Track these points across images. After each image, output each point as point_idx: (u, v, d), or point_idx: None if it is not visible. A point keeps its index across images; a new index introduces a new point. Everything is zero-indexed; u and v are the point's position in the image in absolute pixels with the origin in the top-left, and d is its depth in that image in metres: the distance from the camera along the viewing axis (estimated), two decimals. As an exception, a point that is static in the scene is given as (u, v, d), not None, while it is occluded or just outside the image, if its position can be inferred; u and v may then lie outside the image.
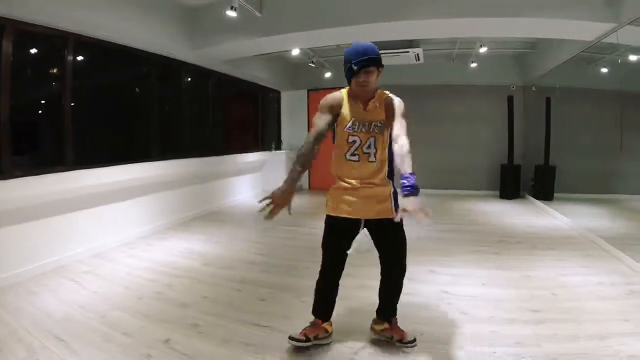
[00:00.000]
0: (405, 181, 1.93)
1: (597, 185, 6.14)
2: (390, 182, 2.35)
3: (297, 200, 7.63)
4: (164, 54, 5.45)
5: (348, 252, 2.31)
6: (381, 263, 2.42)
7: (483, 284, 3.41)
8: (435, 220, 5.81)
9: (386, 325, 2.44)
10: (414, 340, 2.36)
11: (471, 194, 8.52)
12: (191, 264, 3.98)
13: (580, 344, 2.40)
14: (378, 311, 2.50)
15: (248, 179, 8.19)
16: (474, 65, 7.70)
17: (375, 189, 2.28)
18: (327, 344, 2.42)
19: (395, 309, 2.47)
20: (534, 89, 8.04)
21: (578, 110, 6.68)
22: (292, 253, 4.36)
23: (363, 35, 4.73)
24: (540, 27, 4.78)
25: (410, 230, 5.06)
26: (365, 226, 2.30)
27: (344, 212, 2.29)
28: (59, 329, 2.57)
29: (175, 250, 4.42)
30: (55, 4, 3.61)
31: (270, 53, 7.11)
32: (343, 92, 2.34)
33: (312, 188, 9.60)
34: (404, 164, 2.02)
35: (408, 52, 6.73)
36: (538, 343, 2.41)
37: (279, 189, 2.03)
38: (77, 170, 4.05)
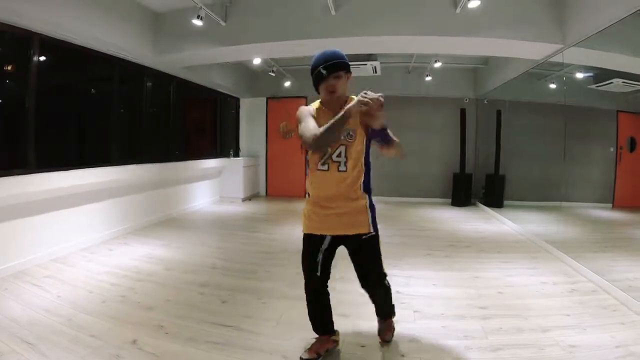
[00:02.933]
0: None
1: (543, 193, 6.43)
2: (367, 195, 2.23)
3: (255, 207, 7.62)
4: (128, 57, 5.42)
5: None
6: (358, 277, 2.38)
7: (434, 285, 3.62)
8: (390, 227, 6.05)
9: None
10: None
11: (424, 201, 8.80)
12: (153, 268, 4.00)
13: (524, 336, 2.63)
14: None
15: (206, 185, 8.16)
16: (428, 78, 8.08)
17: (350, 203, 2.17)
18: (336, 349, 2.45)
19: (388, 313, 2.59)
20: (485, 102, 8.41)
21: (526, 122, 7.04)
22: (251, 257, 4.45)
23: (323, 48, 4.89)
24: (492, 47, 5.12)
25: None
26: (342, 242, 2.26)
27: (316, 230, 2.22)
28: (25, 333, 2.55)
29: (137, 255, 4.41)
30: (21, 3, 3.56)
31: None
32: (314, 105, 2.28)
33: (269, 195, 9.68)
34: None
35: (366, 64, 6.96)
36: (485, 336, 2.63)
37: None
38: (37, 174, 3.98)
